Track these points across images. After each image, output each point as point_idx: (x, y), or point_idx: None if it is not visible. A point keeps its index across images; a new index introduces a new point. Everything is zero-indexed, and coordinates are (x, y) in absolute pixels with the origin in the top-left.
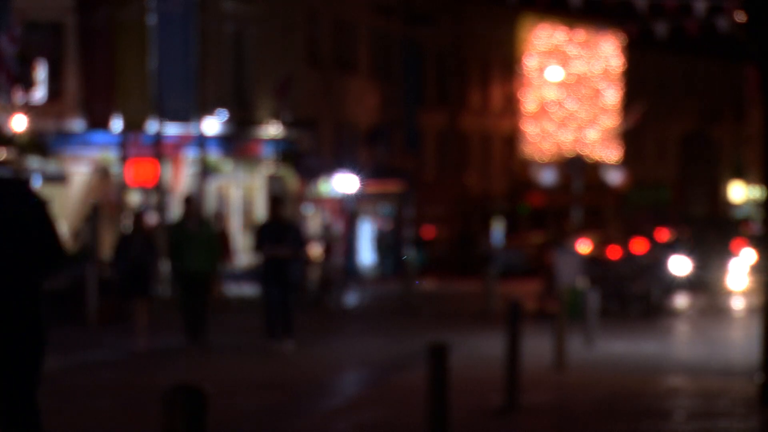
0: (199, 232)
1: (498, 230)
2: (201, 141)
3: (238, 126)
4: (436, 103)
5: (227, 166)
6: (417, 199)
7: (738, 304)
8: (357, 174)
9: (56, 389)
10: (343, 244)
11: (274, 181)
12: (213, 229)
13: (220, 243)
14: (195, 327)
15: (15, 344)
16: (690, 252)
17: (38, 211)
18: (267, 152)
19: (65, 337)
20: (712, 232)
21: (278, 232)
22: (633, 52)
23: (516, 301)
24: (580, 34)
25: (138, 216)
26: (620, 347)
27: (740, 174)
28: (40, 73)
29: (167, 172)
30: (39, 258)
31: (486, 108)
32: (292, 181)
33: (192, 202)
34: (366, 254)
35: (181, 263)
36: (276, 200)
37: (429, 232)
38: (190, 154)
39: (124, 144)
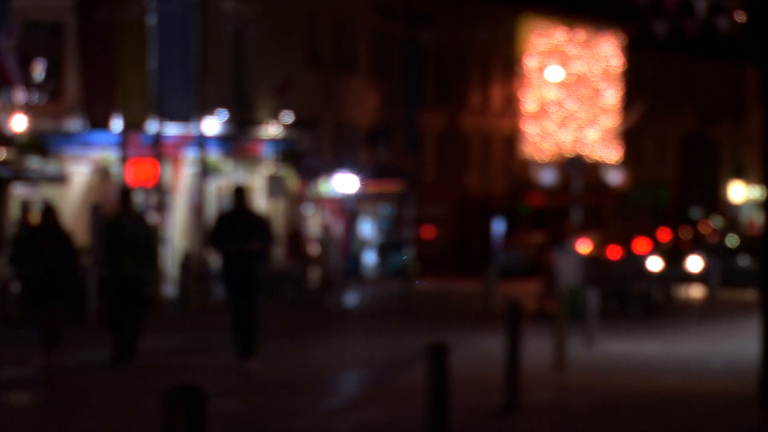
0: (134, 232)
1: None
2: (201, 141)
3: (238, 126)
4: (436, 103)
5: (227, 166)
6: (417, 199)
7: None
8: (357, 174)
9: (56, 389)
10: (342, 244)
11: (274, 181)
12: (150, 229)
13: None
14: (123, 340)
15: None
16: None
17: None
18: (267, 152)
19: (65, 337)
20: None
21: (243, 225)
22: (633, 52)
23: (516, 301)
24: (580, 34)
25: (47, 209)
26: (620, 347)
27: (740, 174)
28: (40, 73)
29: (167, 172)
30: None
31: (486, 108)
32: (292, 181)
33: (129, 197)
34: (365, 254)
35: (114, 266)
36: (239, 190)
37: (429, 232)
38: (190, 154)
39: (124, 144)
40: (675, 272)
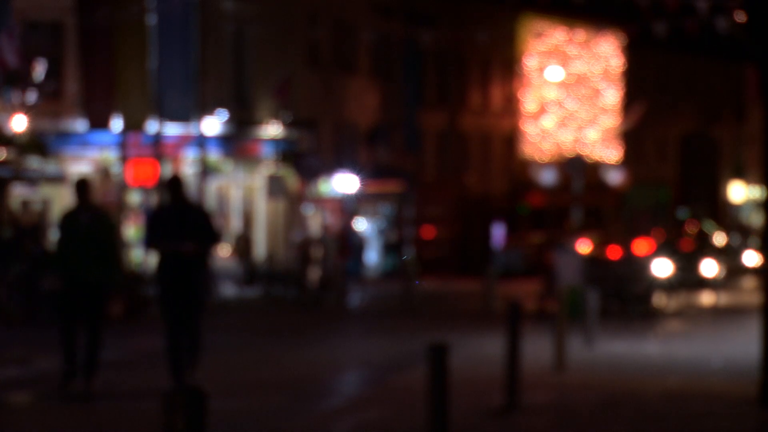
0: (92, 228)
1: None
2: (201, 141)
3: (238, 126)
4: (436, 103)
5: (227, 166)
6: (417, 199)
7: None
8: (357, 174)
9: (56, 389)
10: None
11: (274, 181)
12: (110, 224)
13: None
14: (74, 355)
15: None
16: None
17: None
18: (267, 152)
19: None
20: None
21: (180, 221)
22: (633, 52)
23: (516, 301)
24: (580, 34)
25: None
26: (620, 347)
27: (740, 174)
28: (40, 73)
29: (167, 172)
30: None
31: (486, 108)
32: (292, 181)
33: (86, 188)
34: (367, 254)
35: (65, 268)
36: (173, 181)
37: (429, 232)
38: (190, 154)
39: (124, 144)
40: (687, 277)
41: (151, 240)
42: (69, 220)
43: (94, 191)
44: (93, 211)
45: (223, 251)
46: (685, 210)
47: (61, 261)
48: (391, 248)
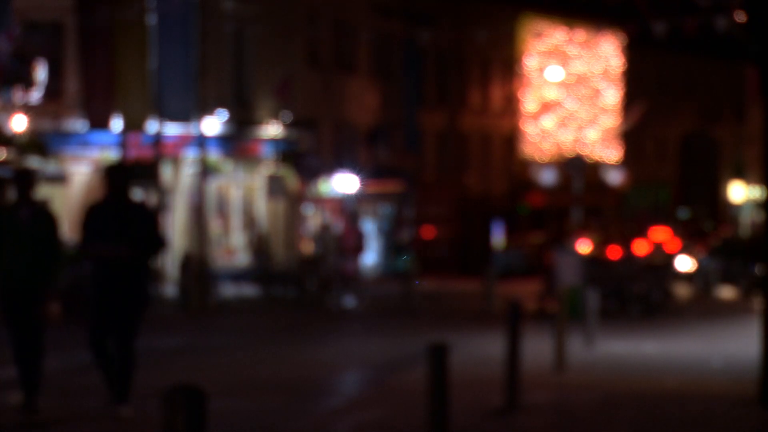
0: (33, 227)
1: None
2: (201, 141)
3: (238, 126)
4: (436, 103)
5: (227, 166)
6: (417, 199)
7: None
8: (357, 174)
9: (56, 389)
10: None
11: (274, 181)
12: (52, 222)
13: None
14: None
15: None
16: None
17: None
18: (267, 152)
19: (65, 337)
20: None
21: (118, 220)
22: (633, 52)
23: (516, 301)
24: (580, 34)
25: None
26: (620, 347)
27: (740, 174)
28: (40, 73)
29: (167, 172)
30: None
31: (486, 108)
32: (292, 181)
33: (28, 181)
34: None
35: (2, 270)
36: (113, 171)
37: (429, 232)
38: (190, 154)
39: (124, 144)
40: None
41: (83, 242)
42: (6, 216)
43: (36, 184)
44: (34, 207)
45: (226, 250)
46: (685, 210)
47: None
48: (400, 249)
